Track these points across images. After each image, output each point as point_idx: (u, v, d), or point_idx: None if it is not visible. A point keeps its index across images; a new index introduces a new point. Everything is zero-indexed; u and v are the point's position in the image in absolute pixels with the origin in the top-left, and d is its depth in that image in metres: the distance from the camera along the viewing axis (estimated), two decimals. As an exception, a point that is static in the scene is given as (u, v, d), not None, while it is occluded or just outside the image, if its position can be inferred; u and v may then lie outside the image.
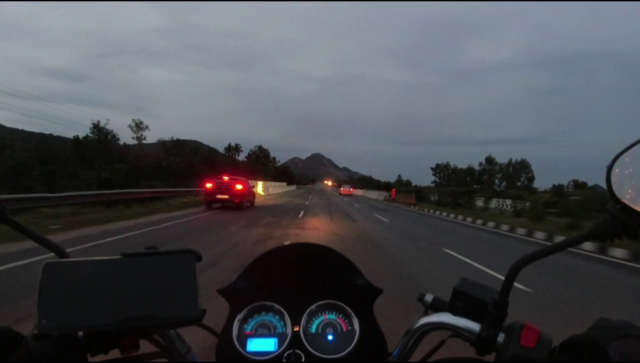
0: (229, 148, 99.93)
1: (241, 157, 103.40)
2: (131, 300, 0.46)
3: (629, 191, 0.39)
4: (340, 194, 49.07)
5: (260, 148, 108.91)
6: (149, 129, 74.31)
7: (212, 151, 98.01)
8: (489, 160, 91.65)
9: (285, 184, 54.47)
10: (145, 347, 0.53)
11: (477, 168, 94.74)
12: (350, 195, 47.28)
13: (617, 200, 0.39)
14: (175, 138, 78.40)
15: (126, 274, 0.47)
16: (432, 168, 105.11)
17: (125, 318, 0.45)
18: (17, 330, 0.48)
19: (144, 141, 72.52)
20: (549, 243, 0.48)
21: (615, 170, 0.40)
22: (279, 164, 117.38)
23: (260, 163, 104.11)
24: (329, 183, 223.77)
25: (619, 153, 0.41)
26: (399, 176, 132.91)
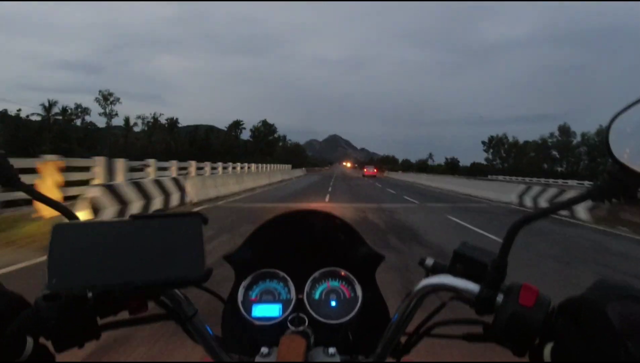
0: (230, 127, 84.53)
1: (246, 136, 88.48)
2: (139, 261, 0.47)
3: (627, 150, 0.39)
4: (364, 176, 44.92)
5: (264, 123, 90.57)
6: (120, 103, 59.81)
7: (209, 130, 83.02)
8: (564, 130, 69.54)
9: (288, 167, 38.68)
10: (153, 309, 0.54)
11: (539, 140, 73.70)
12: (374, 176, 43.93)
13: (615, 160, 0.39)
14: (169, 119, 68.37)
15: (135, 236, 0.48)
16: (483, 142, 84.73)
17: (134, 278, 0.46)
18: (22, 295, 0.49)
19: (114, 118, 59.16)
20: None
21: (614, 130, 0.40)
22: (289, 143, 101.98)
23: (266, 142, 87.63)
24: (348, 165, 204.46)
25: (617, 112, 0.40)
26: (430, 154, 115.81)
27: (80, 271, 0.45)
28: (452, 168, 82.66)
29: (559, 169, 66.85)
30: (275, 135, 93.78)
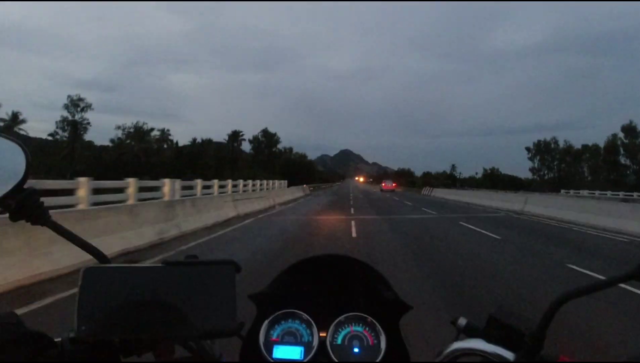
0: (230, 137, 75.37)
1: (247, 148, 79.40)
2: (170, 308, 0.47)
3: None
4: (382, 190, 43.74)
5: (265, 132, 78.50)
6: (92, 109, 50.89)
7: (205, 142, 72.76)
8: (629, 130, 53.27)
9: (283, 184, 25.66)
10: (178, 350, 0.54)
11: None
12: (393, 191, 42.98)
13: None
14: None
15: (166, 282, 0.48)
16: (528, 149, 68.10)
17: (164, 327, 0.46)
18: (47, 334, 0.48)
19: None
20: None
21: None
22: (295, 155, 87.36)
23: (267, 154, 75.86)
24: (361, 179, 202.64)
25: None
26: (453, 166, 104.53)
27: (110, 318, 0.45)
28: (492, 180, 68.52)
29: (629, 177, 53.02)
30: (279, 146, 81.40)
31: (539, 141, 67.99)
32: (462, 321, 0.56)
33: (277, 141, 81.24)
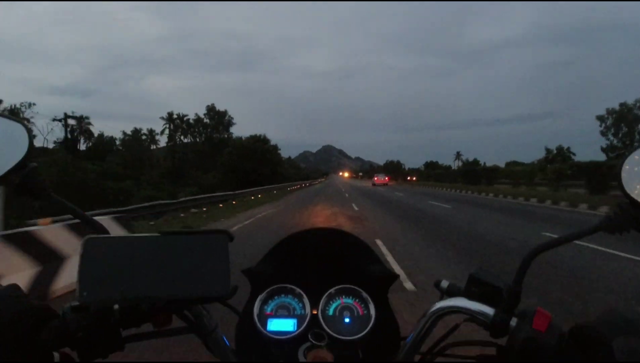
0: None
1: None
2: (167, 276, 0.49)
3: (638, 186, 0.43)
4: (374, 185, 41.25)
5: (212, 110, 54.46)
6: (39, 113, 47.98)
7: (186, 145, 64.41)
8: None
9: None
10: (175, 321, 0.56)
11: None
12: (386, 184, 41.12)
13: (627, 195, 0.43)
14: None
15: (163, 251, 0.50)
16: (600, 118, 42.22)
17: (161, 293, 0.48)
18: (49, 306, 0.50)
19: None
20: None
21: (626, 167, 0.45)
22: (249, 139, 46.57)
23: (214, 143, 51.81)
24: (346, 174, 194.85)
25: (629, 151, 0.45)
26: (457, 152, 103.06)
27: (109, 285, 0.47)
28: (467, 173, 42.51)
29: None
30: (232, 131, 58.46)
31: (621, 106, 40.52)
32: (444, 283, 0.59)
33: (230, 123, 56.44)
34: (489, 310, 0.51)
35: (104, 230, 0.56)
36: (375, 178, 44.74)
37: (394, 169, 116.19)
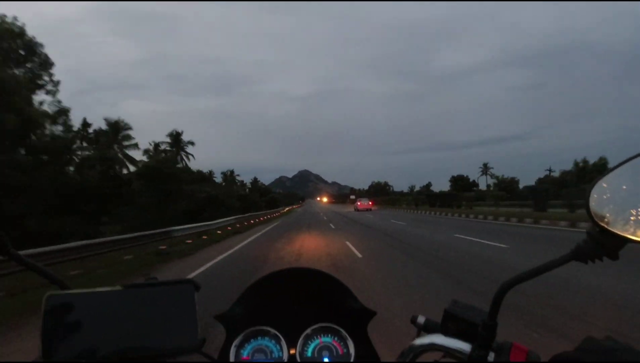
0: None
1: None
2: (132, 330, 0.49)
3: (607, 214, 0.44)
4: (357, 210, 39.14)
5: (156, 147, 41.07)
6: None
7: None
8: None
9: None
10: None
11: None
12: (370, 209, 38.87)
13: (596, 223, 0.44)
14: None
15: (127, 305, 0.51)
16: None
17: (127, 349, 0.48)
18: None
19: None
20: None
21: (594, 195, 0.45)
22: (164, 157, 34.82)
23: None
24: (324, 199, 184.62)
25: (597, 179, 0.46)
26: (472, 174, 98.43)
27: (74, 342, 0.47)
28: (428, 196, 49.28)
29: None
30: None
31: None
32: (420, 319, 0.60)
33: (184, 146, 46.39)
34: (465, 347, 0.52)
35: (66, 286, 0.55)
36: (359, 203, 41.70)
37: (381, 191, 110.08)
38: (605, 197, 0.45)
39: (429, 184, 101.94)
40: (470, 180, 71.67)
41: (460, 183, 68.22)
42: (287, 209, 62.13)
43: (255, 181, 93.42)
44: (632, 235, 0.42)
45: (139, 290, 0.52)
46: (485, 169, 78.19)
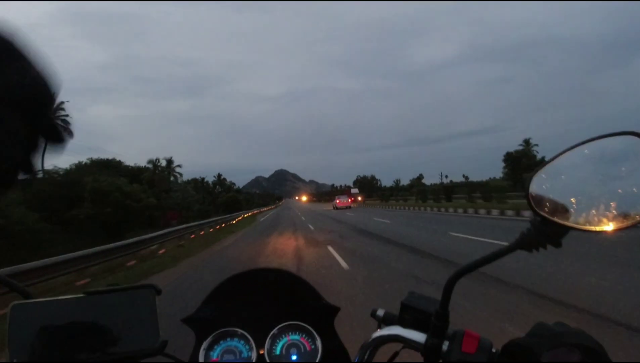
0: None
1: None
2: (95, 336, 0.51)
3: (547, 204, 0.45)
4: (335, 208, 37.25)
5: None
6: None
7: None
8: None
9: None
10: None
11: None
12: (349, 207, 36.74)
13: (536, 213, 0.45)
14: None
15: (90, 311, 0.53)
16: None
17: (92, 355, 0.50)
18: None
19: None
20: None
21: (534, 186, 0.47)
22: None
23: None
24: (304, 198, 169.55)
25: (536, 169, 0.47)
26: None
27: (39, 350, 0.49)
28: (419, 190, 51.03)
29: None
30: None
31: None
32: (380, 312, 0.61)
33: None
34: (420, 337, 0.54)
35: (30, 295, 0.57)
36: (337, 200, 40.28)
37: (366, 186, 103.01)
38: (544, 187, 0.46)
39: (420, 177, 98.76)
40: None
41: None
42: (247, 214, 35.86)
43: (219, 177, 78.90)
44: (573, 223, 0.43)
45: (100, 297, 0.53)
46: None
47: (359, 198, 43.36)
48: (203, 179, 67.94)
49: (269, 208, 76.33)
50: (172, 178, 51.30)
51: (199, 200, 46.33)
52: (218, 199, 58.78)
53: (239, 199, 61.66)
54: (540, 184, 0.47)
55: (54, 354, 0.50)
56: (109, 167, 35.90)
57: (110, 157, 42.03)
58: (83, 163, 35.70)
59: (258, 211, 51.28)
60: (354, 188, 49.31)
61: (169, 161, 47.91)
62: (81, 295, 0.54)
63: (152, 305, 0.54)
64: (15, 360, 0.49)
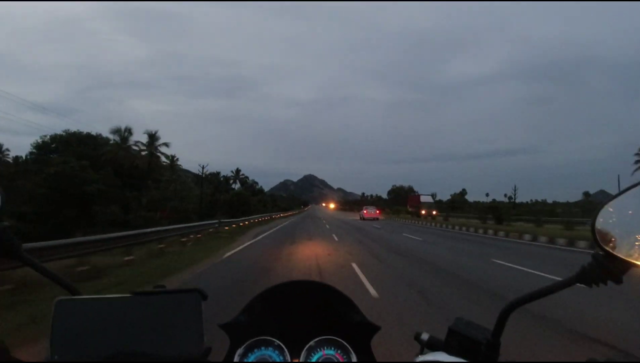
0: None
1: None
2: (139, 337, 0.51)
3: (612, 239, 0.45)
4: (362, 219, 36.90)
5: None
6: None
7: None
8: None
9: None
10: None
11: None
12: (377, 219, 36.22)
13: (601, 247, 0.45)
14: None
15: (135, 312, 0.52)
16: None
17: (134, 355, 0.49)
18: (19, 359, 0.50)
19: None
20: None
21: (600, 219, 0.47)
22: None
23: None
24: (332, 205, 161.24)
25: (603, 203, 0.47)
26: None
27: (81, 348, 0.49)
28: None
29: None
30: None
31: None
32: (424, 336, 0.60)
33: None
34: None
35: (77, 291, 0.57)
36: (365, 211, 40.24)
37: (404, 198, 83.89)
38: (611, 221, 0.46)
39: (463, 192, 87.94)
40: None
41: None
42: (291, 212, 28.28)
43: (237, 173, 72.47)
44: (637, 259, 0.43)
45: (146, 298, 0.53)
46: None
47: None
48: (218, 173, 56.02)
49: (288, 214, 57.78)
50: (166, 165, 39.51)
51: (197, 196, 34.78)
52: (216, 197, 43.58)
53: (246, 198, 44.80)
54: (606, 218, 0.46)
55: (97, 354, 0.48)
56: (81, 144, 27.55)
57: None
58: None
59: (265, 217, 37.30)
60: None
61: (152, 137, 28.53)
62: (128, 295, 0.53)
63: (197, 310, 0.52)
64: (56, 357, 0.48)
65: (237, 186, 73.69)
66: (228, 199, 42.73)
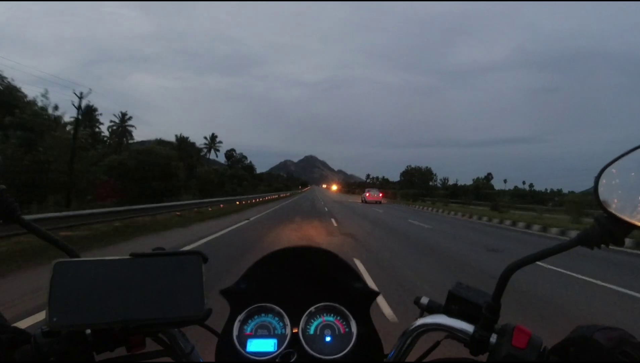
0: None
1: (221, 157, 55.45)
2: (139, 299, 0.51)
3: (615, 200, 0.44)
4: (364, 201, 35.62)
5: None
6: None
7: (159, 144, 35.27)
8: None
9: None
10: (150, 345, 0.56)
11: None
12: (379, 202, 35.31)
13: (604, 209, 0.44)
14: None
15: (134, 273, 0.52)
16: None
17: (133, 316, 0.49)
18: (24, 329, 0.51)
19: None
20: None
21: (603, 181, 0.45)
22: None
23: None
24: (334, 187, 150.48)
25: (606, 164, 0.46)
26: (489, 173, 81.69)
27: (80, 309, 0.48)
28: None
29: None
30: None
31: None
32: (424, 300, 0.60)
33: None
34: (468, 327, 0.53)
35: (75, 254, 0.56)
36: (367, 194, 37.75)
37: (420, 181, 73.76)
38: (614, 183, 0.45)
39: (489, 177, 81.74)
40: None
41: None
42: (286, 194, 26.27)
43: (213, 139, 65.92)
44: None
45: (147, 260, 0.53)
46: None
47: (381, 195, 36.74)
48: (187, 138, 47.71)
49: (280, 196, 46.50)
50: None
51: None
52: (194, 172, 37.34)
53: (213, 176, 38.59)
54: (609, 180, 0.45)
55: (96, 315, 0.48)
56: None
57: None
58: None
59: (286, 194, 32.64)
60: (374, 189, 42.10)
61: (80, 96, 20.93)
62: (127, 257, 0.52)
63: (198, 272, 0.52)
64: (54, 319, 0.47)
65: (211, 155, 65.07)
66: (203, 176, 37.06)
